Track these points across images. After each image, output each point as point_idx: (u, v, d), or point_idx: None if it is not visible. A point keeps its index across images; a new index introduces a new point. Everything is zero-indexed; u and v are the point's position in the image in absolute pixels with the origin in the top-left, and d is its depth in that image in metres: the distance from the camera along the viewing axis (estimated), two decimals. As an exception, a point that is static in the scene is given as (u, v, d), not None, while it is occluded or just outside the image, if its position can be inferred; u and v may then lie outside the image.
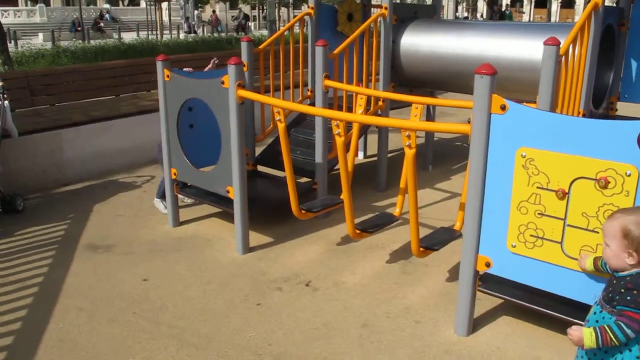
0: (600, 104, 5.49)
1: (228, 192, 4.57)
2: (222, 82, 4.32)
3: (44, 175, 6.29)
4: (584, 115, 4.83)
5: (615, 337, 2.34)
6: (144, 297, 4.03)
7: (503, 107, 3.06)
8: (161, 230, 5.17)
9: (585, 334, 2.39)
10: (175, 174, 5.05)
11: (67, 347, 3.45)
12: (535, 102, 4.23)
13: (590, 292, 2.98)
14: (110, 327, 3.66)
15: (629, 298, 2.34)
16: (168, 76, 4.80)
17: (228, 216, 4.94)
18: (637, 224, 2.37)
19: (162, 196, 5.52)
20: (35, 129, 6.29)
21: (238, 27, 37.92)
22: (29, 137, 6.16)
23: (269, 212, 5.30)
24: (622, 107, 5.78)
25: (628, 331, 2.32)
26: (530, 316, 3.60)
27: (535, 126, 2.99)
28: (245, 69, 5.15)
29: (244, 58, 5.55)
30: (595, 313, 2.51)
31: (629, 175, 2.75)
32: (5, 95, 5.47)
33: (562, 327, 3.41)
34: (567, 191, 2.95)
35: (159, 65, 4.83)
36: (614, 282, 2.46)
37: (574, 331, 2.44)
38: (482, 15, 39.69)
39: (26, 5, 42.92)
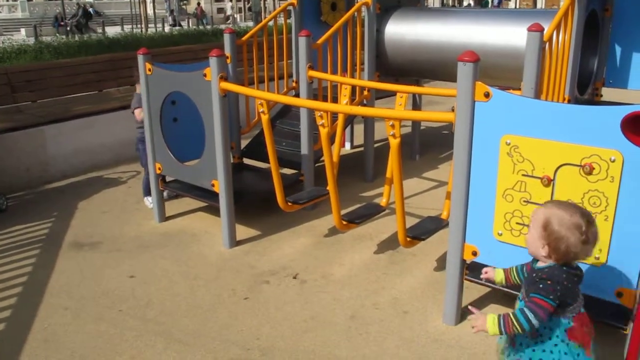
0: (585, 89, 5.49)
1: (213, 185, 4.53)
2: (205, 75, 4.27)
3: (27, 174, 6.22)
4: (569, 102, 4.82)
5: (519, 324, 2.34)
6: (130, 294, 3.99)
7: (487, 95, 3.04)
8: (147, 226, 5.12)
9: (488, 321, 2.41)
10: (159, 169, 5.00)
11: (53, 347, 3.41)
12: (520, 89, 4.21)
13: (577, 279, 2.98)
14: (96, 325, 3.62)
15: (541, 286, 2.35)
16: (150, 70, 4.74)
17: (214, 210, 4.91)
18: (561, 218, 2.35)
19: (148, 193, 5.49)
20: (17, 126, 6.20)
21: (78, 27, 29.91)
22: (11, 134, 6.08)
23: (256, 205, 5.26)
24: (607, 93, 5.78)
25: (531, 316, 2.31)
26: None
27: (520, 113, 2.98)
28: (228, 61, 5.11)
29: (227, 50, 5.50)
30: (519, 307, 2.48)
31: (614, 161, 2.73)
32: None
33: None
34: (552, 178, 2.94)
35: (141, 59, 4.77)
36: (533, 274, 2.45)
37: (475, 319, 2.46)
38: (469, 4, 39.70)
39: (7, 0, 42.36)
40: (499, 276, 2.82)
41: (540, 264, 2.47)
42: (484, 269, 2.89)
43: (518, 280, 2.73)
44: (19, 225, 5.16)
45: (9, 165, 6.05)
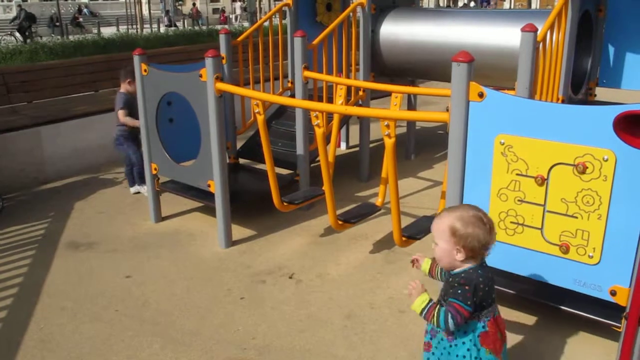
0: (579, 89, 5.51)
1: (209, 186, 4.54)
2: (200, 76, 4.29)
3: (23, 174, 6.22)
4: (562, 101, 4.85)
5: (438, 320, 2.43)
6: (127, 294, 4.00)
7: (481, 95, 3.06)
8: (143, 227, 5.13)
9: (419, 298, 2.50)
10: (155, 169, 5.01)
11: (49, 347, 3.42)
12: (514, 89, 4.24)
13: (569, 277, 3.01)
14: (93, 325, 3.63)
15: (459, 292, 2.40)
16: (146, 70, 4.75)
17: (210, 210, 4.91)
18: (462, 219, 2.42)
19: (133, 183, 5.88)
20: (12, 127, 6.20)
21: (20, 30, 26.71)
22: (7, 135, 6.08)
23: (252, 205, 5.28)
24: (601, 93, 5.80)
25: (450, 320, 2.39)
26: (510, 302, 3.62)
27: (513, 113, 3.00)
28: (223, 61, 5.11)
29: (222, 50, 5.51)
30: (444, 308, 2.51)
31: (607, 160, 2.76)
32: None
33: (541, 312, 3.45)
34: (546, 177, 2.96)
35: (136, 59, 4.78)
36: (450, 280, 2.51)
37: (415, 288, 2.53)
38: (464, 4, 39.77)
39: (2, 1, 42.26)
40: (425, 265, 2.86)
41: (456, 270, 2.50)
42: (416, 255, 2.91)
43: (440, 278, 2.79)
44: (15, 225, 5.16)
45: (5, 166, 6.05)
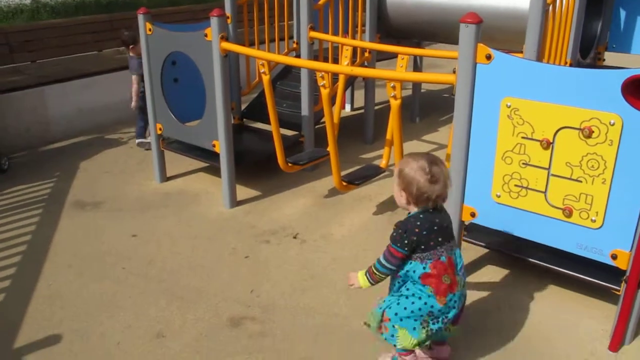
0: (588, 54, 5.46)
1: (214, 146, 4.55)
2: (205, 35, 4.25)
3: (28, 134, 6.22)
4: (571, 65, 4.80)
5: (379, 272, 2.65)
6: (132, 253, 4.05)
7: (488, 57, 3.03)
8: (148, 187, 5.16)
9: (359, 277, 2.72)
10: (160, 129, 5.02)
11: (58, 303, 3.48)
12: (521, 52, 4.20)
13: (572, 241, 3.03)
14: (100, 283, 3.69)
15: (394, 234, 2.59)
16: (150, 30, 4.71)
17: (215, 171, 4.94)
18: (409, 166, 2.56)
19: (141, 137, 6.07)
20: (16, 86, 6.18)
21: None
22: (11, 94, 6.06)
23: (256, 166, 5.29)
24: (610, 58, 5.75)
25: (384, 262, 2.60)
26: (514, 265, 3.67)
27: (521, 76, 2.98)
28: (228, 21, 5.07)
29: (228, 10, 5.45)
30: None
31: (613, 125, 2.75)
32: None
33: (545, 274, 3.49)
34: (551, 141, 2.96)
35: (141, 18, 4.74)
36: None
37: (350, 278, 2.76)
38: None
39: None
40: (361, 279, 2.84)
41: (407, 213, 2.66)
42: (350, 273, 2.88)
43: (369, 280, 2.82)
44: (21, 185, 5.20)
45: (10, 125, 6.05)
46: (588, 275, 3.15)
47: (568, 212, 3.00)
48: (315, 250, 4.03)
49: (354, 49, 5.43)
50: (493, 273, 3.70)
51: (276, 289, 3.58)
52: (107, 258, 3.98)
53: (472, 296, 3.45)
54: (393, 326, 2.60)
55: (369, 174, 4.59)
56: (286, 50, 6.25)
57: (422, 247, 2.55)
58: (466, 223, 3.46)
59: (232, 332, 3.18)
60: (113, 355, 3.02)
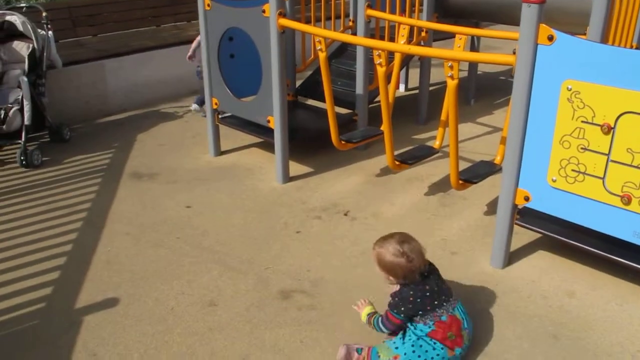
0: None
1: (269, 122, 4.61)
2: (263, 11, 4.29)
3: (87, 106, 6.42)
4: (637, 49, 4.64)
5: (373, 326, 2.88)
6: (187, 223, 4.16)
7: (550, 38, 2.97)
8: (203, 160, 5.27)
9: (365, 310, 2.94)
10: (216, 104, 5.10)
11: (115, 268, 3.62)
12: (585, 35, 4.08)
13: (629, 229, 2.96)
14: (155, 250, 3.82)
15: (390, 301, 2.79)
16: (209, 5, 4.78)
17: (268, 146, 5.00)
18: (384, 255, 2.76)
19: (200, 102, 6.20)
20: (78, 59, 6.37)
21: None
22: (73, 67, 6.24)
23: (309, 143, 5.33)
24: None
25: (380, 324, 2.83)
26: (568, 252, 3.61)
27: (584, 58, 2.91)
28: (286, -3, 5.07)
29: (285, -13, 5.46)
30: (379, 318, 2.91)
31: (679, 110, 2.67)
32: (49, 26, 5.53)
33: (598, 263, 3.43)
34: (612, 126, 2.89)
35: (200, -6, 4.80)
36: (392, 291, 2.86)
37: (360, 304, 2.99)
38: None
39: None
40: (364, 313, 2.98)
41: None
42: (359, 303, 3.04)
43: (374, 328, 2.94)
44: (80, 155, 5.38)
45: (71, 97, 6.26)
46: (630, 260, 3.07)
47: (627, 200, 2.93)
48: (366, 228, 4.06)
49: (411, 29, 5.38)
50: (545, 259, 3.65)
51: (326, 265, 3.63)
52: (162, 227, 4.11)
53: (521, 281, 3.42)
54: None
55: (422, 154, 4.57)
56: (342, 28, 6.23)
57: (420, 312, 2.70)
58: (519, 207, 3.42)
59: (282, 304, 3.25)
60: (167, 320, 3.13)
